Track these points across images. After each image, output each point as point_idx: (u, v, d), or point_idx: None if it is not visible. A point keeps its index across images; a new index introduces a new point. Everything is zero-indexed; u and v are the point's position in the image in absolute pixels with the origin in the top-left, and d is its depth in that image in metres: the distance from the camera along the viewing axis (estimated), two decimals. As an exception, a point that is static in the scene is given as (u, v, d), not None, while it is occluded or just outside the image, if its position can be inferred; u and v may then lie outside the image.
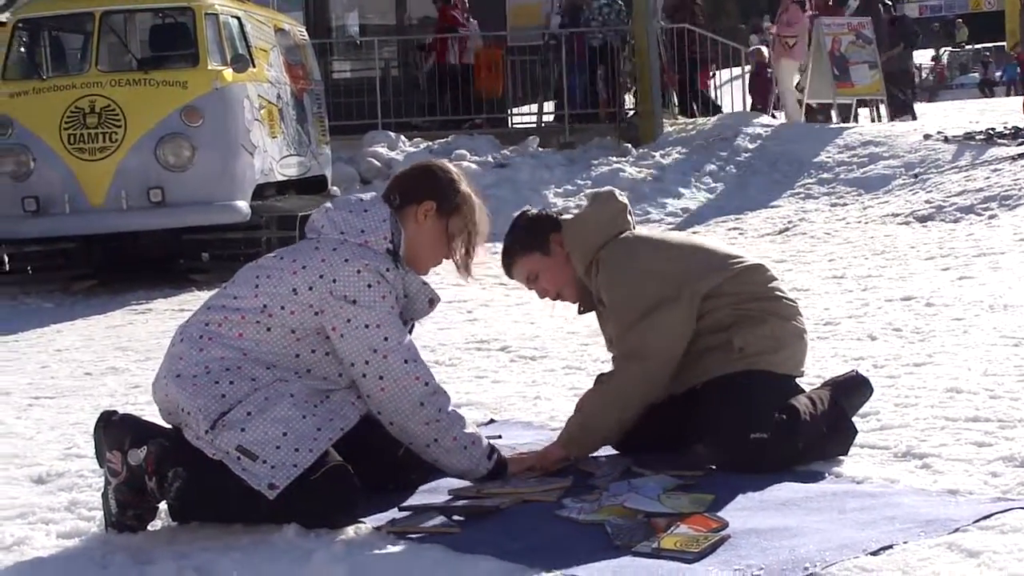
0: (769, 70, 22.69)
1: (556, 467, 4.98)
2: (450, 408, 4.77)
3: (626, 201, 5.39)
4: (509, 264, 5.37)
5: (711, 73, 25.35)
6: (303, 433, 4.51)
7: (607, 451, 5.25)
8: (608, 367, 5.36)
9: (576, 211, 5.48)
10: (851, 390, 5.33)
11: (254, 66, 14.04)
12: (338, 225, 4.80)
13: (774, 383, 5.06)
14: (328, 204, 4.98)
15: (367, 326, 4.63)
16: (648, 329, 4.98)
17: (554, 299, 5.44)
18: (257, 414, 4.50)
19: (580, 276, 5.27)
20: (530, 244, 5.30)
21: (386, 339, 4.65)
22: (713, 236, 13.96)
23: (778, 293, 5.22)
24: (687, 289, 5.02)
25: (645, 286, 5.04)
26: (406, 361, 4.67)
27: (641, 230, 5.42)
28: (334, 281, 4.65)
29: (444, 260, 5.04)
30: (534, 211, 5.50)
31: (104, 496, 4.61)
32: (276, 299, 4.68)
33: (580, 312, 5.55)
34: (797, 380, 5.22)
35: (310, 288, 4.66)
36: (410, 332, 4.91)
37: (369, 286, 4.65)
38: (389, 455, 4.87)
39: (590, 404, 5.13)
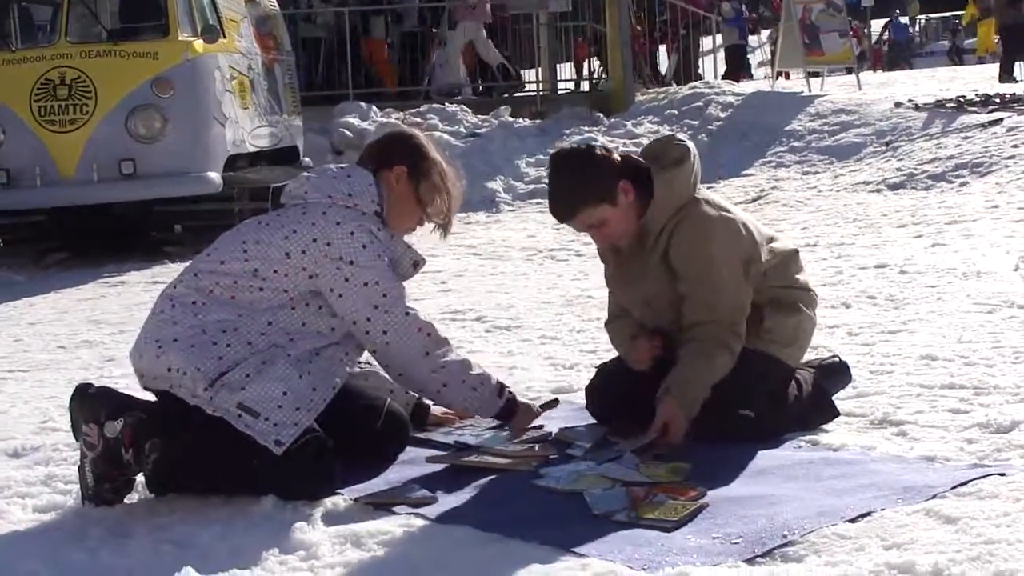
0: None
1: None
2: (454, 354, 4.86)
3: None
4: (570, 214, 4.98)
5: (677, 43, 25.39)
6: (301, 392, 4.54)
7: (585, 420, 5.25)
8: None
9: (665, 161, 5.02)
10: (833, 375, 5.36)
11: (225, 37, 13.96)
12: (324, 190, 4.84)
13: (775, 369, 5.07)
14: (307, 173, 5.01)
15: (366, 284, 4.68)
16: (746, 312, 4.97)
17: (611, 244, 5.14)
18: (256, 375, 4.52)
19: (651, 229, 5.01)
20: (598, 194, 4.92)
21: (385, 295, 4.71)
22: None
23: (809, 284, 5.26)
24: (752, 268, 5.00)
25: (736, 266, 4.94)
26: (407, 313, 4.74)
27: (709, 193, 5.13)
28: (328, 244, 4.69)
29: (419, 225, 5.10)
30: (585, 148, 5.04)
31: (81, 469, 4.59)
32: (268, 263, 4.71)
33: (604, 254, 5.29)
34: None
35: (303, 252, 4.70)
36: None
37: (364, 246, 4.70)
38: (368, 427, 4.87)
39: (707, 374, 4.90)
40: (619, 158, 5.06)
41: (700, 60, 25.28)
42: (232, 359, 4.56)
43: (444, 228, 5.12)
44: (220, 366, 4.54)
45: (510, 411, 5.01)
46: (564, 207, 5.00)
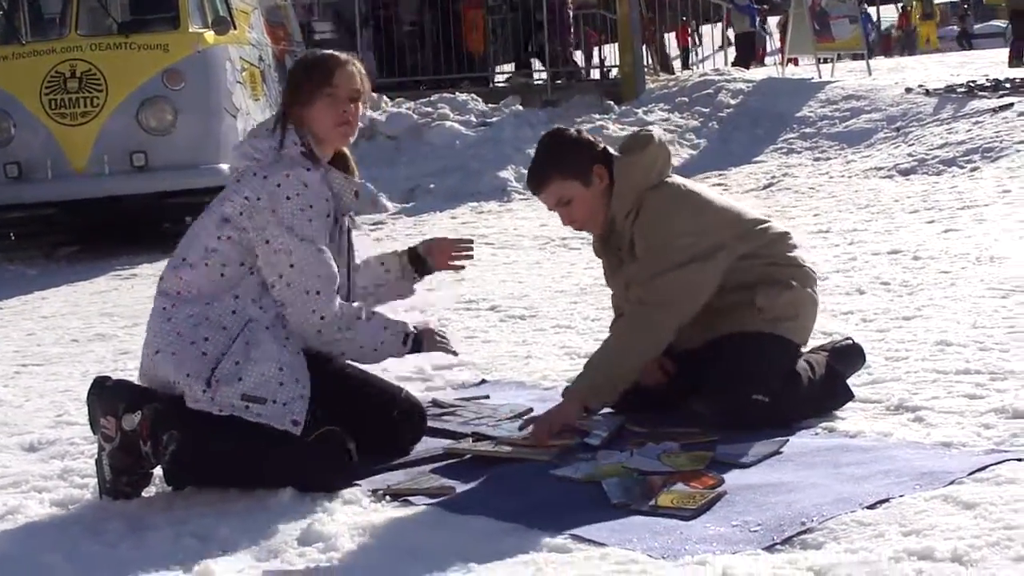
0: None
1: (574, 423, 4.90)
2: (350, 322, 4.71)
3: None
4: (542, 184, 5.12)
5: (690, 30, 25.41)
6: (291, 362, 4.56)
7: (603, 409, 5.25)
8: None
9: (629, 151, 5.17)
10: (846, 357, 5.34)
11: (235, 28, 14.00)
12: (249, 154, 4.80)
13: (783, 348, 5.07)
14: (238, 141, 4.96)
15: (277, 251, 4.62)
16: (678, 280, 4.92)
17: (578, 228, 5.31)
18: (246, 361, 4.52)
19: (617, 216, 5.11)
20: (571, 170, 5.06)
21: (292, 266, 4.62)
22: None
23: (802, 260, 5.24)
24: (724, 249, 4.99)
25: (684, 238, 4.95)
26: (307, 292, 4.63)
27: (680, 179, 5.23)
28: (258, 199, 4.65)
29: (346, 128, 4.86)
30: (573, 132, 5.25)
31: (98, 463, 4.60)
32: (212, 232, 4.70)
33: (595, 247, 5.42)
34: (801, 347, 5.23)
35: (240, 212, 4.67)
36: (348, 230, 4.93)
37: (288, 198, 4.62)
38: (384, 417, 4.89)
39: (614, 352, 5.00)
40: (602, 147, 5.17)
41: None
42: (215, 352, 4.55)
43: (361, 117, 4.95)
44: (207, 363, 4.53)
45: (418, 349, 4.93)
46: (537, 176, 5.15)
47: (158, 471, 4.66)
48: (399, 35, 21.61)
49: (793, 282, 5.13)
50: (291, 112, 4.82)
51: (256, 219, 4.64)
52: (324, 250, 4.68)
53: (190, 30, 13.33)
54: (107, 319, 9.21)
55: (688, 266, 4.92)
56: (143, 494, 4.61)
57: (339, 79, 4.80)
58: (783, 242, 5.22)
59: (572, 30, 22.30)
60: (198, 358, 4.54)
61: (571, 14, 22.30)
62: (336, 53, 4.91)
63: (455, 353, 5.13)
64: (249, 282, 4.68)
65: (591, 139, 5.20)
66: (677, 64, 27.10)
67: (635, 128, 17.69)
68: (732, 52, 27.11)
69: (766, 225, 5.21)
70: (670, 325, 4.96)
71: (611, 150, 5.20)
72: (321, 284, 4.65)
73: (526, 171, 15.65)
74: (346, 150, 4.97)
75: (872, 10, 47.78)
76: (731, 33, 28.34)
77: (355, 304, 4.83)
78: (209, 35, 13.40)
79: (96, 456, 4.64)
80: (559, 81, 21.22)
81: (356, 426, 4.65)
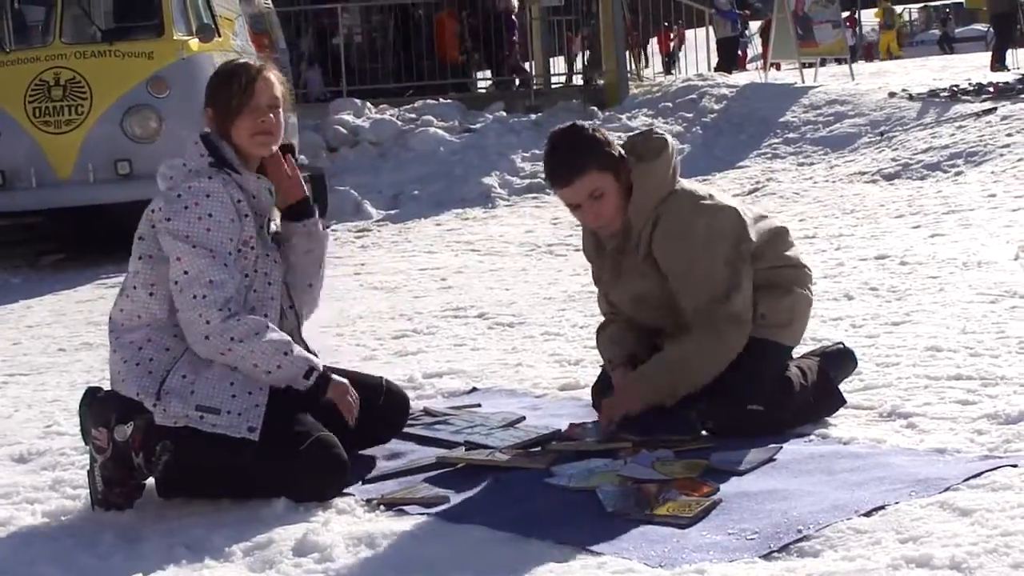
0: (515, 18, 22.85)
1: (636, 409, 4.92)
2: (244, 334, 4.56)
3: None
4: (576, 175, 4.90)
5: (671, 35, 25.42)
6: (243, 378, 4.55)
7: (594, 417, 5.24)
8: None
9: (644, 157, 5.03)
10: (838, 362, 5.34)
11: (219, 35, 13.96)
12: (164, 174, 4.78)
13: (777, 354, 5.08)
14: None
15: (176, 260, 4.58)
16: (740, 294, 4.91)
17: (601, 225, 5.07)
18: (194, 373, 4.54)
19: (634, 223, 5.01)
20: (609, 163, 4.93)
21: (185, 272, 4.56)
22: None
23: (800, 260, 5.24)
24: (744, 247, 4.98)
25: (721, 250, 4.92)
26: (194, 297, 4.55)
27: (687, 183, 5.14)
28: (159, 210, 4.65)
29: (264, 137, 4.80)
30: (592, 128, 5.07)
31: (90, 474, 4.58)
32: (134, 255, 4.72)
33: (587, 250, 5.34)
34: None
35: (152, 226, 4.67)
36: (269, 229, 4.87)
37: (186, 207, 4.60)
38: (370, 406, 4.87)
39: (695, 363, 4.95)
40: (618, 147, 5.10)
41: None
42: (160, 368, 4.56)
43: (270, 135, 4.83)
44: (155, 378, 4.55)
45: (322, 388, 4.72)
46: (571, 167, 4.92)
47: (150, 482, 4.64)
48: (351, 43, 21.66)
49: (794, 286, 5.14)
50: (215, 126, 4.81)
51: (161, 232, 4.63)
52: (220, 257, 4.60)
53: (174, 37, 13.30)
54: (93, 328, 9.17)
55: (738, 279, 4.92)
56: (135, 505, 4.58)
57: (259, 89, 4.78)
58: (783, 239, 5.21)
59: (516, 36, 22.41)
60: (145, 376, 4.56)
61: (516, 21, 22.41)
62: (250, 63, 4.90)
63: (349, 423, 4.77)
64: None
65: (610, 137, 5.09)
66: (648, 72, 27.04)
67: (620, 134, 17.76)
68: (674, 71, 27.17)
69: (767, 220, 5.22)
70: (745, 339, 4.96)
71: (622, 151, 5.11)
72: (209, 290, 4.56)
73: (510, 177, 15.62)
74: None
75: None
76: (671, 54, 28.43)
77: (269, 326, 4.64)
78: (193, 42, 13.37)
79: (88, 467, 4.62)
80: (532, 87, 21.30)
81: (341, 419, 4.66)
